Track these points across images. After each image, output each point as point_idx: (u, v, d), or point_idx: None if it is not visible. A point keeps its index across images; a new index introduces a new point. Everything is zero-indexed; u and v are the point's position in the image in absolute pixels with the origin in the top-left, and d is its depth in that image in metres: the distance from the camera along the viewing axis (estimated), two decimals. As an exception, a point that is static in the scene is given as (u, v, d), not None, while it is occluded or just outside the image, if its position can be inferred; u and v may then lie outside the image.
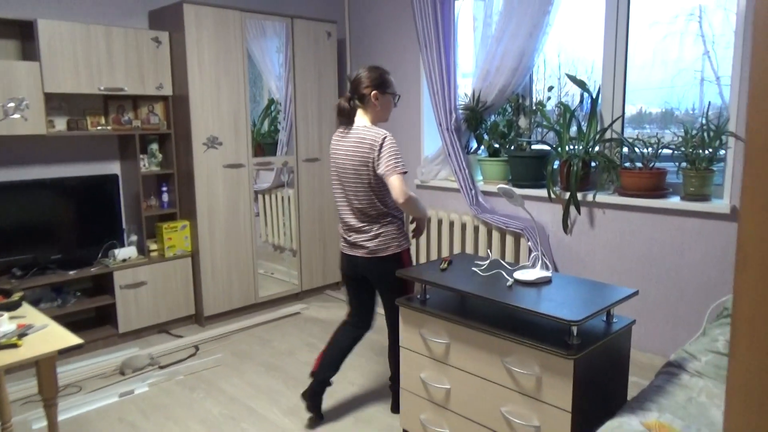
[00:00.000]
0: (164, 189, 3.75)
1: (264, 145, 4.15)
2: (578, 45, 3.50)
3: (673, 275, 2.99)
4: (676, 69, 3.10)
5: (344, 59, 4.57)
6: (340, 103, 2.41)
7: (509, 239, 3.53)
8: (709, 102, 2.94)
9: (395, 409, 2.64)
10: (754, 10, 0.78)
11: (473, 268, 2.28)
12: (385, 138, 2.27)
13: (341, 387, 2.95)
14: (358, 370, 3.14)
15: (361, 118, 2.39)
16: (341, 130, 2.43)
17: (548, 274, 2.13)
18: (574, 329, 1.80)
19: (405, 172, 2.25)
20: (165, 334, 3.63)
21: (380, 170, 2.25)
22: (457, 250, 3.81)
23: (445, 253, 3.91)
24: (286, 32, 4.02)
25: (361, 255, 2.42)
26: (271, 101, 4.21)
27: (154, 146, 3.69)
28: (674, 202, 2.95)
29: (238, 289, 3.90)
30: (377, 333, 3.65)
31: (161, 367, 3.14)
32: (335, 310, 4.09)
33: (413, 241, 4.08)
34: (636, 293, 2.00)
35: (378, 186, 2.33)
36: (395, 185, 2.22)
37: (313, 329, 3.74)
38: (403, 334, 2.28)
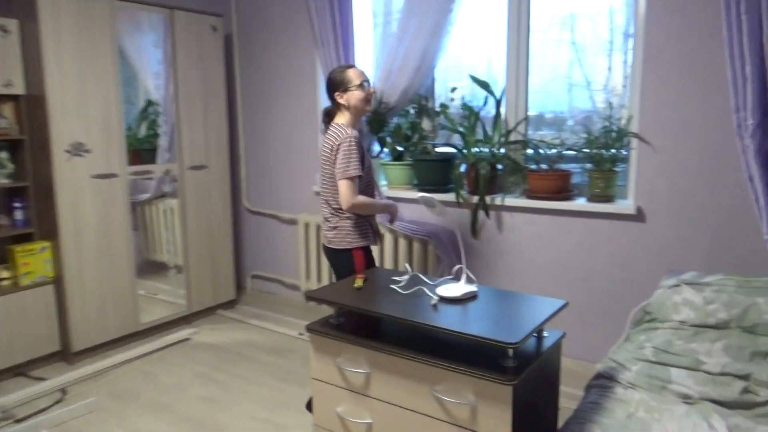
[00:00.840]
0: (17, 205, 3.16)
1: (141, 152, 3.67)
2: (469, 47, 3.42)
3: (583, 277, 2.97)
4: (551, 74, 3.16)
5: (232, 56, 4.19)
6: (323, 113, 2.62)
7: (417, 246, 3.36)
8: (611, 104, 2.95)
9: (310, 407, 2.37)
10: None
11: (392, 286, 2.06)
12: (344, 139, 2.39)
13: (240, 422, 2.60)
14: (258, 401, 2.81)
15: (337, 117, 2.54)
16: (323, 130, 2.61)
17: (474, 288, 1.95)
18: (510, 351, 1.63)
19: (354, 177, 2.37)
20: (22, 377, 3.04)
21: (334, 171, 2.41)
22: (362, 260, 3.57)
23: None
24: (164, 25, 3.58)
25: (324, 243, 2.61)
26: (149, 102, 3.73)
27: (3, 155, 3.10)
28: (580, 203, 2.93)
29: (114, 316, 3.39)
30: (276, 356, 3.33)
31: (17, 421, 2.59)
32: (230, 333, 3.70)
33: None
34: (566, 305, 1.88)
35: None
36: (341, 191, 2.40)
37: (205, 357, 3.33)
38: (315, 363, 2.01)
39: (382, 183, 3.65)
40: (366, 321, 2.03)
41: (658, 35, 2.63)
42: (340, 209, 2.48)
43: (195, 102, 3.76)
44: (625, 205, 2.82)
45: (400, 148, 3.54)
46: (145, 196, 3.78)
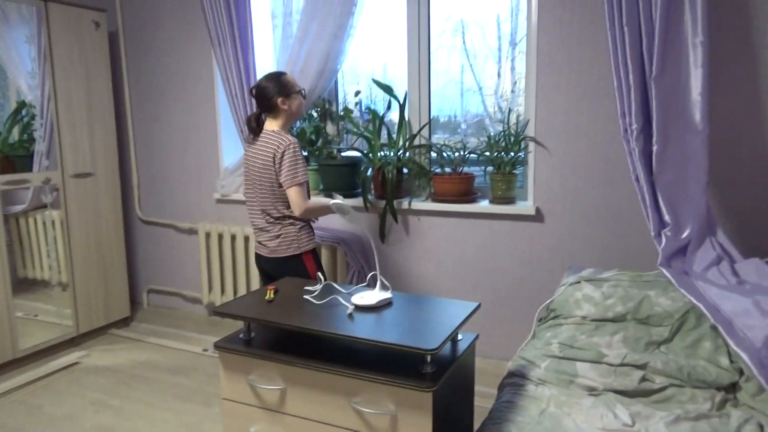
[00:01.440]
0: None
1: (14, 159, 3.30)
2: (365, 50, 3.44)
3: (490, 278, 3.06)
4: (444, 79, 3.26)
5: (118, 54, 3.90)
6: (250, 120, 2.54)
7: (325, 253, 3.30)
8: (510, 109, 3.07)
9: None
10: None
11: (305, 296, 1.99)
12: (288, 146, 2.38)
13: (143, 452, 2.42)
14: (161, 427, 2.62)
15: (270, 124, 2.50)
16: (251, 138, 2.57)
17: (388, 295, 1.93)
18: (429, 357, 1.63)
19: (303, 182, 2.40)
20: None
21: (281, 179, 2.39)
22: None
23: (254, 277, 3.53)
24: (38, 18, 3.25)
25: (263, 254, 2.57)
26: (22, 104, 3.38)
27: None
28: (484, 206, 3.02)
29: (-13, 344, 3.03)
30: (179, 375, 3.13)
31: None
32: (125, 353, 3.43)
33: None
34: (479, 307, 1.91)
35: (280, 191, 2.45)
36: (291, 198, 2.39)
37: (98, 382, 3.06)
38: (226, 382, 1.90)
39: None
40: (279, 334, 1.95)
41: (548, 44, 2.77)
42: (284, 217, 2.48)
43: (77, 104, 3.45)
44: (525, 206, 2.94)
45: (304, 153, 3.47)
46: (20, 207, 3.41)
